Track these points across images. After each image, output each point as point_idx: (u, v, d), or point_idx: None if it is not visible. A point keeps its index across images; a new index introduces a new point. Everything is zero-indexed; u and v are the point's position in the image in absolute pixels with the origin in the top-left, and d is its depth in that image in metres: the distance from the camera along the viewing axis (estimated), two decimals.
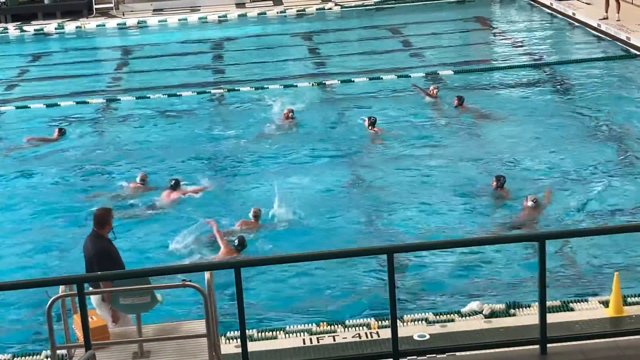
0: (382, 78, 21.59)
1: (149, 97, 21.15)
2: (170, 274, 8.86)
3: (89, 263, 9.05)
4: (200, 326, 8.17)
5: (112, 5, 31.46)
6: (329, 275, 11.80)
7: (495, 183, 14.10)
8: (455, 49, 24.61)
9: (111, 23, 29.97)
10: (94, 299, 9.06)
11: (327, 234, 13.16)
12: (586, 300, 10.00)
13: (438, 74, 21.65)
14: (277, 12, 30.78)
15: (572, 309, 9.79)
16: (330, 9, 30.91)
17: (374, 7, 30.86)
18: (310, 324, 9.88)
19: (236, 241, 12.31)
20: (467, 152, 16.28)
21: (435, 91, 19.46)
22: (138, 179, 15.22)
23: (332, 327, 9.72)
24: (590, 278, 11.40)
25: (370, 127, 17.47)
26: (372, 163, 16.12)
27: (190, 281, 7.86)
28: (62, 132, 18.21)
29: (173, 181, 14.79)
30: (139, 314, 8.19)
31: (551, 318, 8.77)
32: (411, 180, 15.19)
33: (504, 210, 13.70)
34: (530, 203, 13.30)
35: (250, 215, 13.39)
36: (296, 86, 21.34)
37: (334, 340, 9.40)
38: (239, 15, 30.53)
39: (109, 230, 9.16)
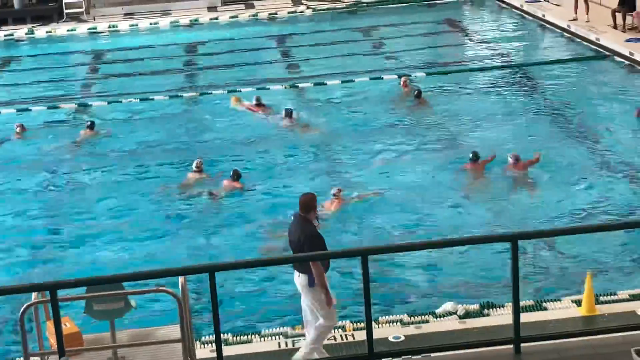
0: (354, 80, 21.64)
1: (120, 102, 21.06)
2: (144, 279, 8.82)
3: (298, 246, 8.92)
4: (174, 331, 8.15)
5: (82, 10, 31.26)
6: None
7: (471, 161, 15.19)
8: (427, 51, 24.71)
9: (82, 28, 29.77)
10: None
11: None
12: (559, 300, 10.09)
13: (410, 75, 21.72)
14: (249, 16, 30.73)
15: (545, 309, 9.87)
16: (302, 12, 30.93)
17: (346, 10, 30.91)
18: (285, 327, 9.88)
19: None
20: (435, 149, 16.50)
21: (407, 82, 20.19)
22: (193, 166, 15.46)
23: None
24: (563, 277, 11.48)
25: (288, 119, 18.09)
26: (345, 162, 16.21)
27: (164, 286, 7.84)
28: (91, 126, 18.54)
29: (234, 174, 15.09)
30: (112, 319, 8.16)
31: (525, 318, 8.83)
32: (384, 179, 15.27)
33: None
34: (511, 160, 14.83)
35: None
36: (269, 89, 21.33)
37: None
38: (210, 19, 30.47)
39: (314, 215, 9.23)
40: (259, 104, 19.04)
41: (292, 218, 9.43)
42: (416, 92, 19.47)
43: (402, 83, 20.42)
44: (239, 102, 19.58)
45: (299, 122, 18.49)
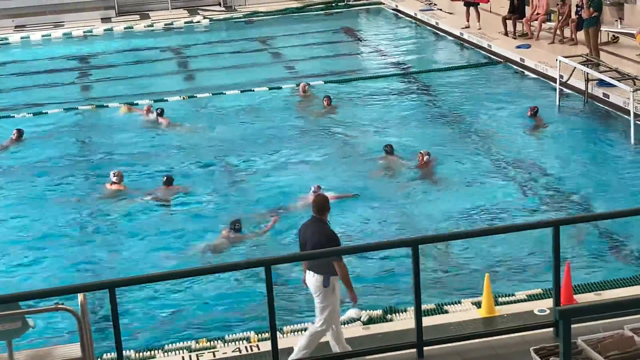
0: (253, 90, 21.62)
1: (13, 117, 20.51)
2: (41, 298, 8.59)
3: (317, 248, 8.77)
4: (75, 350, 7.96)
5: None
6: (207, 291, 11.72)
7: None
8: (325, 60, 24.88)
9: None
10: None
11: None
12: (459, 302, 10.25)
13: (309, 84, 21.84)
14: (145, 27, 30.38)
15: (446, 311, 10.02)
16: (198, 22, 30.74)
17: (243, 19, 30.88)
18: (189, 341, 9.77)
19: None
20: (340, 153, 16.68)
21: (306, 87, 20.47)
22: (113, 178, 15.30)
23: (212, 343, 9.65)
24: (462, 280, 11.68)
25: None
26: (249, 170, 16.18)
27: (63, 304, 7.66)
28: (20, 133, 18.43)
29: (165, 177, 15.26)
30: (9, 340, 7.92)
31: (427, 321, 8.96)
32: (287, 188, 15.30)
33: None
34: (425, 157, 15.48)
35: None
36: (167, 100, 21.12)
37: (214, 356, 9.34)
38: (104, 30, 29.99)
39: (327, 216, 9.08)
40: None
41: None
42: (325, 98, 19.65)
43: (300, 89, 20.61)
44: (129, 110, 19.69)
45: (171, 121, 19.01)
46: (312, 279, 8.93)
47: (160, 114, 19.26)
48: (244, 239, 13.28)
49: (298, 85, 21.08)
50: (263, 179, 15.85)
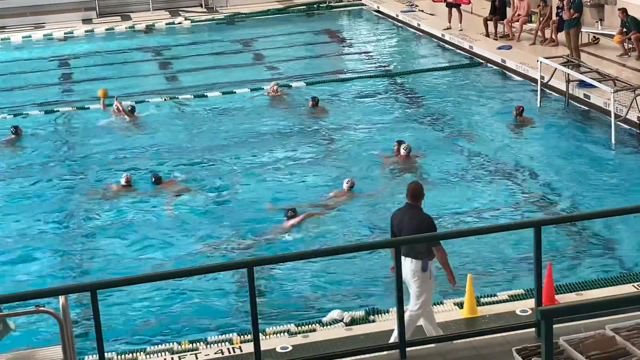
0: (235, 92, 21.58)
1: None
2: (22, 300, 8.53)
3: (417, 233, 8.92)
4: (56, 352, 7.91)
5: None
6: (189, 293, 11.69)
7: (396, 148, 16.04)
8: (307, 61, 24.89)
9: None
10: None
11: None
12: (442, 303, 10.28)
13: (291, 86, 21.85)
14: (126, 28, 30.28)
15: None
16: (180, 23, 30.68)
17: (224, 21, 30.82)
18: (171, 343, 9.75)
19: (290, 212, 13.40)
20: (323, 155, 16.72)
21: (275, 87, 20.70)
22: (123, 180, 15.33)
23: (194, 344, 9.63)
24: (444, 280, 11.68)
25: None
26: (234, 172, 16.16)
27: (44, 306, 7.61)
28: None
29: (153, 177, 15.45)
30: None
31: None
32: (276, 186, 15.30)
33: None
34: (402, 151, 15.81)
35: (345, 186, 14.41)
36: (148, 101, 21.06)
37: (197, 358, 9.32)
38: (85, 32, 29.87)
39: (421, 202, 9.30)
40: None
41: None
42: (311, 100, 19.65)
43: (270, 89, 20.73)
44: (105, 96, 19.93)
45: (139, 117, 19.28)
46: (410, 265, 9.05)
47: (131, 111, 19.54)
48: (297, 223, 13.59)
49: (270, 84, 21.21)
50: (246, 180, 15.85)
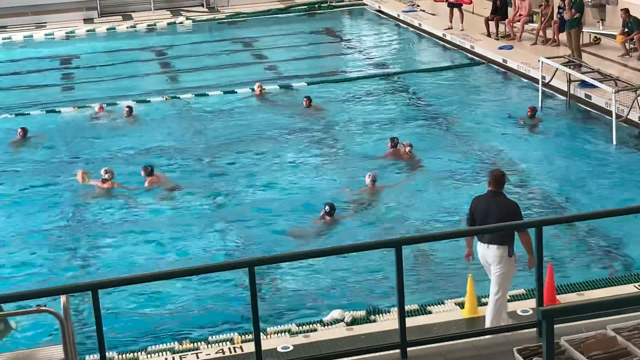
0: (236, 92, 21.58)
1: None
2: (23, 300, 8.54)
3: (504, 219, 9.09)
4: (57, 352, 7.92)
5: None
6: (190, 292, 11.69)
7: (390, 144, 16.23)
8: (308, 61, 24.87)
9: None
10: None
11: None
12: (443, 303, 10.28)
13: (292, 86, 21.85)
14: (127, 27, 30.28)
15: (430, 312, 10.04)
16: (181, 23, 30.68)
17: (226, 20, 30.81)
18: (172, 343, 9.75)
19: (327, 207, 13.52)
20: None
21: (259, 89, 20.80)
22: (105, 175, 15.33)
23: (195, 344, 9.63)
24: (445, 280, 11.71)
25: None
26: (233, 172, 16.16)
27: (45, 306, 7.61)
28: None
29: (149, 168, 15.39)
30: None
31: (410, 322, 8.97)
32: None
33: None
34: (407, 148, 16.00)
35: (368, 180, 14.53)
36: (149, 101, 21.06)
37: (198, 357, 9.33)
38: (87, 31, 29.88)
39: (503, 189, 9.52)
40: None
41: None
42: (305, 99, 19.67)
43: (256, 89, 20.79)
44: (87, 177, 16.12)
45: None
46: (495, 251, 9.21)
47: (129, 111, 19.51)
48: (338, 220, 13.73)
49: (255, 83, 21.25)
50: (244, 180, 15.85)
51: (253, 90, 21.24)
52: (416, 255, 12.19)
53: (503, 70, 22.04)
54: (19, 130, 18.51)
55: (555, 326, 5.37)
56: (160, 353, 9.55)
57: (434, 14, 28.06)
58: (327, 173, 15.99)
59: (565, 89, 18.88)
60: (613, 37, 21.76)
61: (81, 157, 17.57)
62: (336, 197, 14.47)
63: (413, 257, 12.08)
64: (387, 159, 16.24)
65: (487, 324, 9.37)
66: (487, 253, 9.28)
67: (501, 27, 24.46)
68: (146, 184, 15.35)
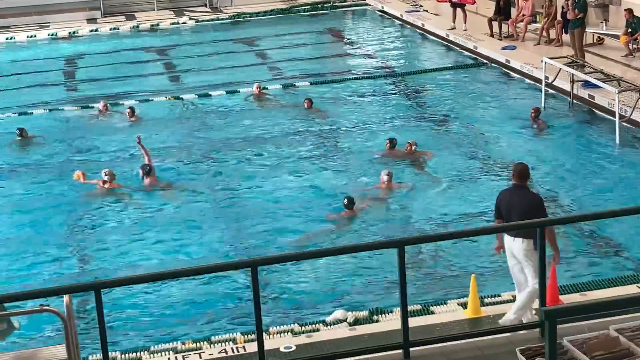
0: (239, 91, 21.58)
1: None
2: (27, 299, 8.56)
3: (529, 213, 9.09)
4: (60, 351, 7.92)
5: None
6: (193, 292, 11.70)
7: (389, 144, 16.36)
8: (311, 61, 24.87)
9: None
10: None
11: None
12: (445, 303, 10.27)
13: (295, 85, 21.85)
14: (130, 28, 30.31)
15: (432, 312, 10.03)
16: (184, 23, 30.70)
17: (229, 20, 30.83)
18: (175, 342, 9.75)
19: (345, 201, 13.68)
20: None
21: (257, 90, 20.72)
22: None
23: (198, 344, 9.63)
24: (448, 281, 11.70)
25: None
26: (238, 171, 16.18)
27: (48, 305, 7.62)
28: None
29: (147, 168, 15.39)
30: None
31: (413, 322, 8.96)
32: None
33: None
34: (413, 147, 16.13)
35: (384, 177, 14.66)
36: (152, 100, 21.07)
37: (200, 357, 9.32)
38: (90, 31, 29.90)
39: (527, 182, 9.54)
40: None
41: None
42: (306, 101, 19.63)
43: (255, 90, 20.74)
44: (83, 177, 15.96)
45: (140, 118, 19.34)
46: (522, 245, 9.21)
47: (132, 112, 19.46)
48: (357, 213, 13.89)
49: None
50: (246, 182, 15.86)
51: (264, 89, 21.28)
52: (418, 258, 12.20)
53: (506, 70, 22.04)
54: (17, 131, 18.45)
55: (558, 326, 5.37)
56: (162, 353, 9.54)
57: (437, 14, 28.06)
58: (327, 173, 15.98)
59: (569, 89, 18.86)
60: (616, 37, 21.75)
61: (83, 157, 17.56)
62: (349, 193, 14.46)
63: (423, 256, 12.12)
64: (384, 158, 16.17)
65: (511, 316, 9.33)
66: (514, 246, 9.32)
67: (504, 27, 24.45)
68: (145, 184, 15.33)
